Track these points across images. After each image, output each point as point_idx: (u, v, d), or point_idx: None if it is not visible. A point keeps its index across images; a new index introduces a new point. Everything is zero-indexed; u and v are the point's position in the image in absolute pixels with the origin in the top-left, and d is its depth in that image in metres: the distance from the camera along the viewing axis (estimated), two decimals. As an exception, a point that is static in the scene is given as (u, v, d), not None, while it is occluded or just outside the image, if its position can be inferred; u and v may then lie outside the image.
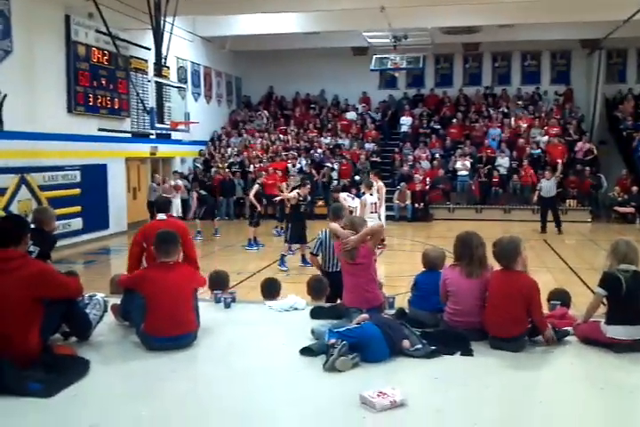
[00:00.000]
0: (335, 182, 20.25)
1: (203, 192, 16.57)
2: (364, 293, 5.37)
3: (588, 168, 19.78)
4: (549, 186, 16.65)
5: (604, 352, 4.52)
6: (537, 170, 19.70)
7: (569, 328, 4.85)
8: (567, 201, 19.33)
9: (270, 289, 6.20)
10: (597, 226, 18.15)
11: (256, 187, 14.71)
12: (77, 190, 15.07)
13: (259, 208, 14.52)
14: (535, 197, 17.15)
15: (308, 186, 13.12)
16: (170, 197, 11.91)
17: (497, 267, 4.89)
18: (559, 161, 17.89)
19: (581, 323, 4.79)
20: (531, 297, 4.58)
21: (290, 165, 21.04)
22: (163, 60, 13.60)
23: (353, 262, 5.41)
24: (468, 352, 4.51)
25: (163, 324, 4.56)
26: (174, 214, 11.91)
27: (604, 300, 4.69)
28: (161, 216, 6.77)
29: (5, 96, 12.84)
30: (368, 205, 12.12)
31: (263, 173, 16.97)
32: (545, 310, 5.00)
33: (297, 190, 12.67)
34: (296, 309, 5.69)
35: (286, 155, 21.80)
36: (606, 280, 4.61)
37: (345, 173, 20.76)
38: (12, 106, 12.95)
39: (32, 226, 6.15)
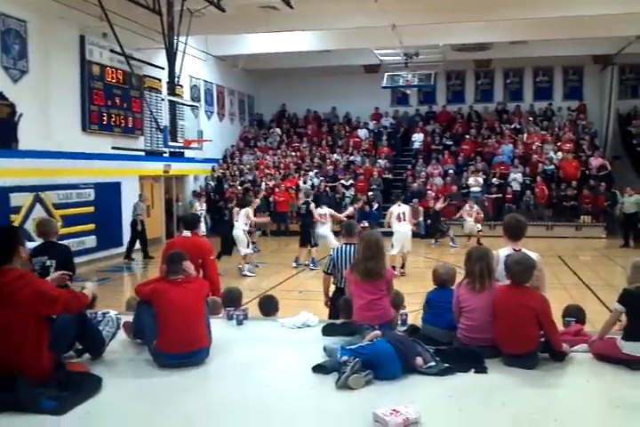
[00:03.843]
0: (348, 199, 20.23)
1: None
2: (374, 309, 5.32)
3: (602, 184, 19.68)
4: (631, 202, 17.11)
5: (620, 369, 4.45)
6: (550, 186, 19.64)
7: (584, 345, 4.80)
8: (581, 217, 19.27)
9: (268, 307, 6.15)
10: (612, 242, 17.99)
11: (257, 201, 14.93)
12: (91, 208, 15.18)
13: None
14: (618, 212, 17.86)
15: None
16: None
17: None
18: None
19: (597, 340, 4.73)
20: (542, 313, 4.53)
21: (301, 182, 21.09)
22: (176, 79, 13.70)
23: (364, 281, 5.39)
24: (481, 370, 4.46)
25: (175, 340, 4.54)
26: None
27: (622, 316, 4.64)
28: (186, 233, 6.79)
29: (21, 115, 13.01)
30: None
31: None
32: (559, 326, 4.94)
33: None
34: (308, 326, 5.65)
35: (298, 173, 21.85)
36: (626, 297, 4.56)
37: (361, 190, 20.75)
38: (27, 125, 13.13)
39: (41, 241, 6.22)
